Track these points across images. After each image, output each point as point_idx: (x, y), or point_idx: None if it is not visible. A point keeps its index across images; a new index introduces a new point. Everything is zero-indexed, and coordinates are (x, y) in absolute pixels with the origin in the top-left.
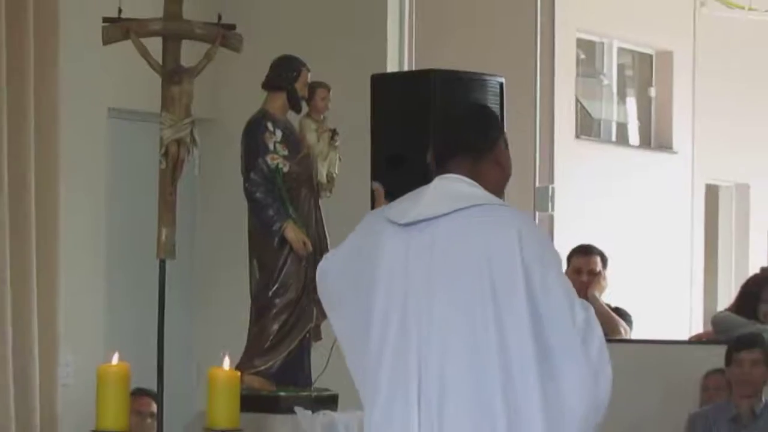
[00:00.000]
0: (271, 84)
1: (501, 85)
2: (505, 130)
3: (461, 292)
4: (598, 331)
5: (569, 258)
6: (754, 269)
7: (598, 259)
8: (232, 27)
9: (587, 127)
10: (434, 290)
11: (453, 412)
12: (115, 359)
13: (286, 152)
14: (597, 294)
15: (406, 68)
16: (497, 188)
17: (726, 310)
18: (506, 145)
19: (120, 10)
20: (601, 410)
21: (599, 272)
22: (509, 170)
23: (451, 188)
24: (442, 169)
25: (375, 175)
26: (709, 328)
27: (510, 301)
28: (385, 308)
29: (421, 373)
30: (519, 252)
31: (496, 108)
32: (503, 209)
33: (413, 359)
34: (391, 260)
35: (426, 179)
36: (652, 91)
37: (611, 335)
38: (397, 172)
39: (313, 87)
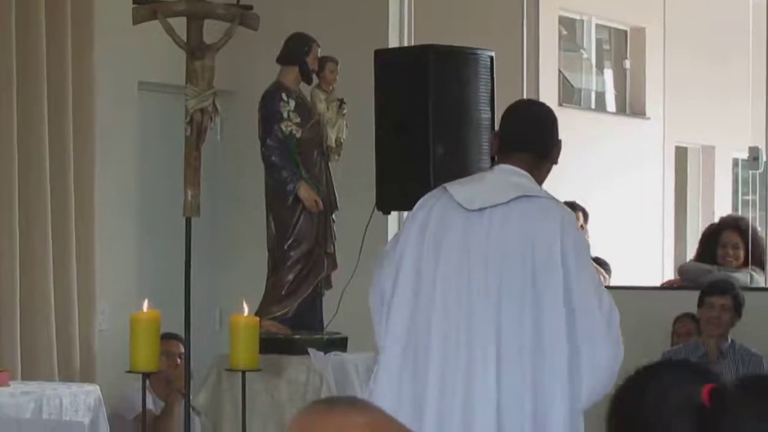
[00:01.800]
0: (284, 58)
1: (491, 58)
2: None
3: (508, 270)
4: (617, 313)
5: None
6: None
7: (580, 214)
8: (250, 7)
9: (569, 95)
10: (489, 267)
11: (482, 371)
12: (145, 306)
13: (298, 120)
14: None
15: (406, 44)
16: (544, 178)
17: (691, 260)
18: (560, 147)
19: None
20: (613, 382)
21: (581, 226)
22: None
23: (510, 180)
24: (506, 157)
25: (381, 140)
26: (678, 276)
27: (547, 283)
28: (445, 274)
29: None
30: (559, 239)
31: (486, 79)
32: (549, 201)
33: (463, 332)
34: (455, 237)
35: (426, 144)
36: (627, 63)
37: None
38: (402, 136)
39: (322, 61)
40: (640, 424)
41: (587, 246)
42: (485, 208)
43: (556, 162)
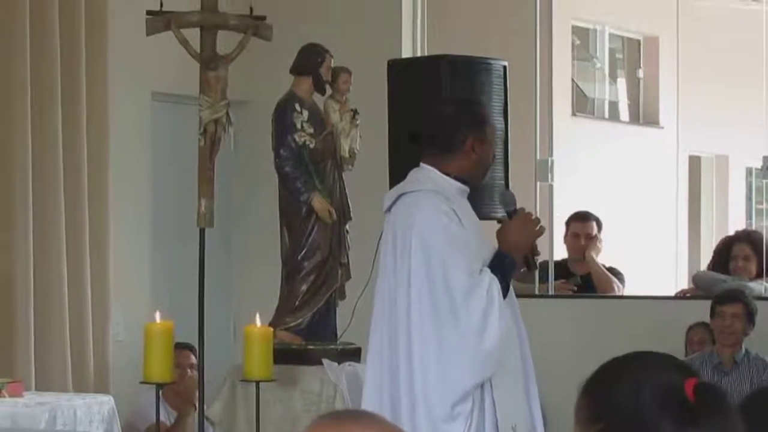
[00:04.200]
0: (298, 69)
1: (504, 68)
2: (484, 123)
3: (384, 270)
4: (475, 302)
5: (568, 223)
6: (732, 231)
7: (594, 224)
8: (263, 18)
9: (582, 105)
10: (382, 266)
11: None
12: (157, 317)
13: (312, 130)
14: (594, 255)
15: (419, 54)
16: (471, 175)
17: (705, 269)
18: (482, 139)
19: (162, 4)
20: (488, 363)
21: (595, 236)
22: (485, 160)
23: (409, 179)
24: (423, 156)
25: (395, 150)
26: (692, 285)
27: (400, 277)
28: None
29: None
30: (410, 241)
31: (500, 89)
32: (416, 195)
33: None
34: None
35: None
36: (640, 73)
37: (606, 292)
38: (416, 147)
39: (335, 71)
40: (613, 413)
41: (433, 235)
42: (387, 211)
43: (471, 155)
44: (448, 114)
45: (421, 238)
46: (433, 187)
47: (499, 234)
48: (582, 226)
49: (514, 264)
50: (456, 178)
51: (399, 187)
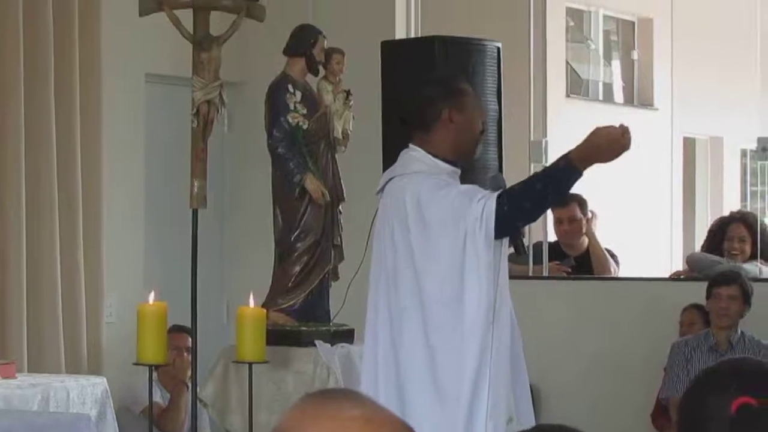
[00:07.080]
0: (291, 50)
1: (498, 49)
2: (460, 94)
3: (378, 246)
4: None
5: (552, 211)
6: (727, 213)
7: (576, 205)
8: None
9: (576, 86)
10: (374, 249)
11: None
12: (151, 297)
13: (305, 111)
14: (594, 232)
15: (413, 35)
16: (460, 148)
17: (700, 250)
18: (459, 109)
19: None
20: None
21: (580, 218)
22: (467, 128)
23: (399, 161)
24: (411, 138)
25: (388, 131)
26: (687, 267)
27: (402, 257)
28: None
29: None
30: (405, 215)
31: (493, 70)
32: (405, 178)
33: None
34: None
35: None
36: (635, 54)
37: (603, 272)
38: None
39: (329, 52)
40: (682, 421)
41: (435, 210)
42: (378, 192)
43: (451, 127)
44: (423, 92)
45: (416, 204)
46: (422, 169)
47: (590, 136)
48: (563, 210)
49: (572, 173)
50: (445, 160)
51: (390, 170)
